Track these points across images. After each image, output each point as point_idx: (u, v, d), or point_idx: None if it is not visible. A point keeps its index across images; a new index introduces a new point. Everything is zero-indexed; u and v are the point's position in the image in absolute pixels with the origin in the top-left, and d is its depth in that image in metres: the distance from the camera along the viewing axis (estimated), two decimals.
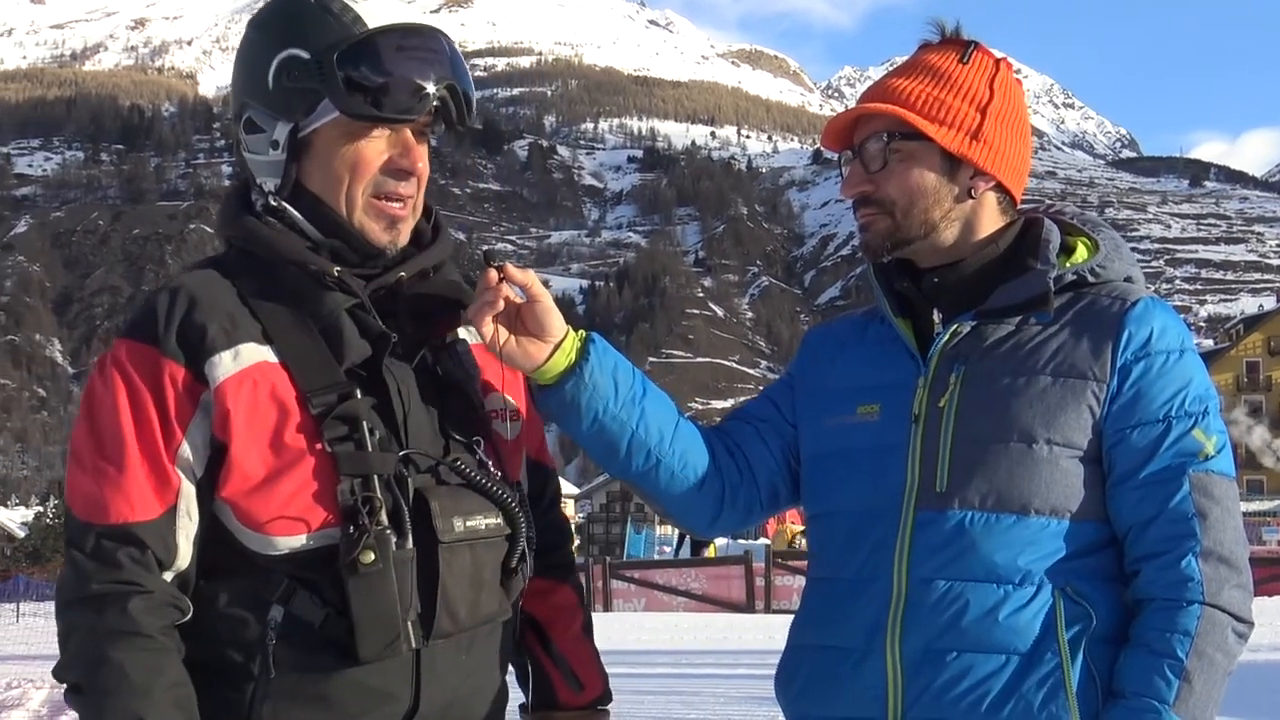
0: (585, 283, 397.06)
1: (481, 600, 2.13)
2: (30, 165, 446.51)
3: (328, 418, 2.04)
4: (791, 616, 2.42)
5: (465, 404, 2.21)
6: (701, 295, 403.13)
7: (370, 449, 2.04)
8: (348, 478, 2.02)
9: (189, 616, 2.04)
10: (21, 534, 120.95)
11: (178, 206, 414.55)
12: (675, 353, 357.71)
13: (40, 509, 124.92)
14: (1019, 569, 2.19)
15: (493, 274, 2.18)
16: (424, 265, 2.22)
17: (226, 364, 2.03)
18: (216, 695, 2.02)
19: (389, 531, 2.00)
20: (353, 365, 2.09)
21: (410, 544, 2.03)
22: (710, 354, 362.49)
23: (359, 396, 2.06)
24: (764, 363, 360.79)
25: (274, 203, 2.16)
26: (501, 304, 2.19)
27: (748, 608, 25.70)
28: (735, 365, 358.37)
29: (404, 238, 2.19)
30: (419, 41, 2.12)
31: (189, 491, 2.04)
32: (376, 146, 2.13)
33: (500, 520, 2.16)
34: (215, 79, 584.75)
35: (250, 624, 2.02)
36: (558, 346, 2.26)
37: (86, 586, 1.99)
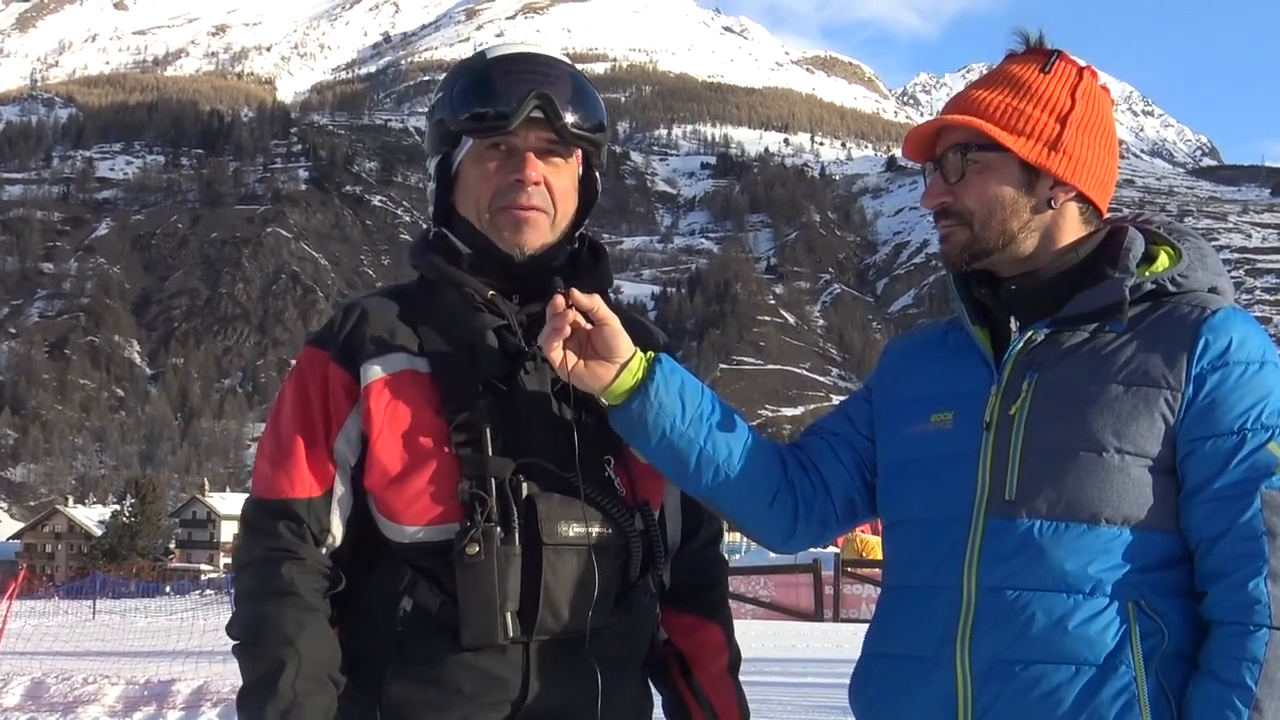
0: (657, 289, 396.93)
1: (591, 606, 2.28)
2: (112, 169, 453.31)
3: (456, 423, 2.29)
4: (860, 626, 2.61)
5: (600, 423, 2.38)
6: (773, 302, 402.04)
7: (490, 454, 2.27)
8: (468, 478, 2.26)
9: (342, 587, 2.32)
10: (99, 532, 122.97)
11: (255, 210, 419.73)
12: (746, 359, 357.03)
13: (117, 507, 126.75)
14: (1089, 578, 2.16)
15: (560, 300, 2.30)
16: None
17: (377, 370, 2.33)
18: (354, 676, 2.29)
19: (496, 529, 2.23)
20: (490, 379, 2.33)
21: (516, 542, 2.24)
22: (781, 361, 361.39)
23: (487, 407, 2.30)
24: (835, 370, 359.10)
25: (434, 228, 2.52)
26: (569, 329, 2.29)
27: (816, 616, 25.56)
28: (806, 373, 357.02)
29: (532, 243, 2.40)
30: (524, 65, 2.39)
31: (344, 477, 2.33)
32: (495, 163, 2.40)
33: (612, 531, 2.33)
34: (293, 85, 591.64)
35: (384, 614, 2.30)
36: (624, 367, 2.34)
37: (251, 553, 2.30)
